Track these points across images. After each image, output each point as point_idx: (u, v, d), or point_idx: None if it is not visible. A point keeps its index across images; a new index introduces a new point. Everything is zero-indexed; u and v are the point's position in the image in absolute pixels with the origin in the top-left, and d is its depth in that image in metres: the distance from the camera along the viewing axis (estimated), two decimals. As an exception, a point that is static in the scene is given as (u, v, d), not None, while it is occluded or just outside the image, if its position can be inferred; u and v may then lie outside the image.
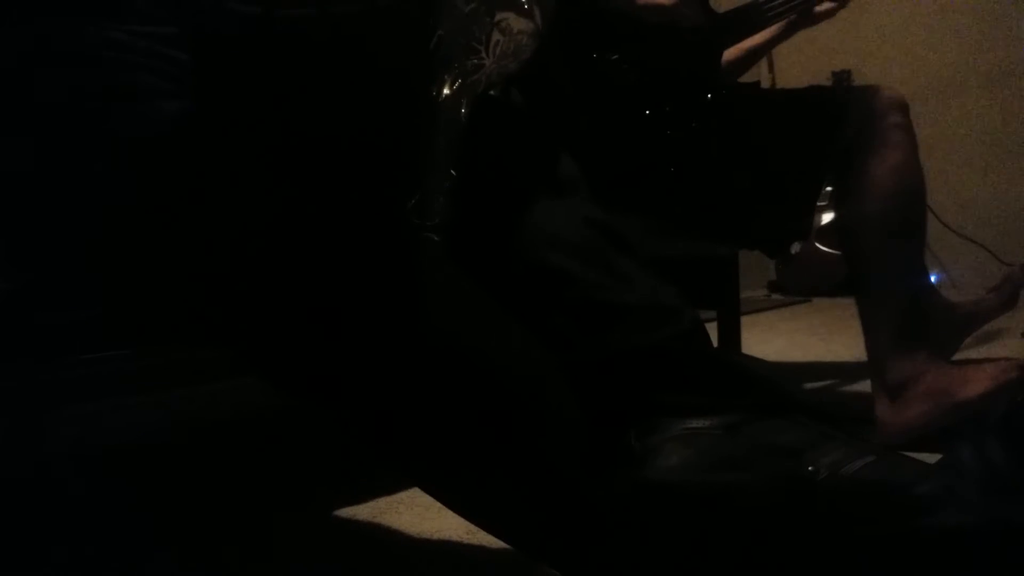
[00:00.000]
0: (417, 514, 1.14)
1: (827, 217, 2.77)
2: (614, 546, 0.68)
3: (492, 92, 0.71)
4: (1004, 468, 0.67)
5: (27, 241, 0.73)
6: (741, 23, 1.53)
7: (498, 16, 0.68)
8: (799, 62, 3.10)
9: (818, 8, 1.53)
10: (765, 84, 2.99)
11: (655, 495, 0.67)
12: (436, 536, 1.06)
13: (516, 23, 0.69)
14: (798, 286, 3.40)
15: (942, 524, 0.62)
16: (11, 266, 0.76)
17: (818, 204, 1.45)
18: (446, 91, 0.67)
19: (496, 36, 0.68)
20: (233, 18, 0.62)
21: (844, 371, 1.92)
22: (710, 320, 1.84)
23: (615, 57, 1.41)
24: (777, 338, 2.52)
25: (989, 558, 0.61)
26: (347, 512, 1.18)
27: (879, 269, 1.32)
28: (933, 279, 2.11)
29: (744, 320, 1.98)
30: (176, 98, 0.65)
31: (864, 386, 1.37)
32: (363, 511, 1.18)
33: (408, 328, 0.66)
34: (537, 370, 0.71)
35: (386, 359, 0.66)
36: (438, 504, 0.80)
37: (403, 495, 1.21)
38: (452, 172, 0.67)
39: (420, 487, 0.81)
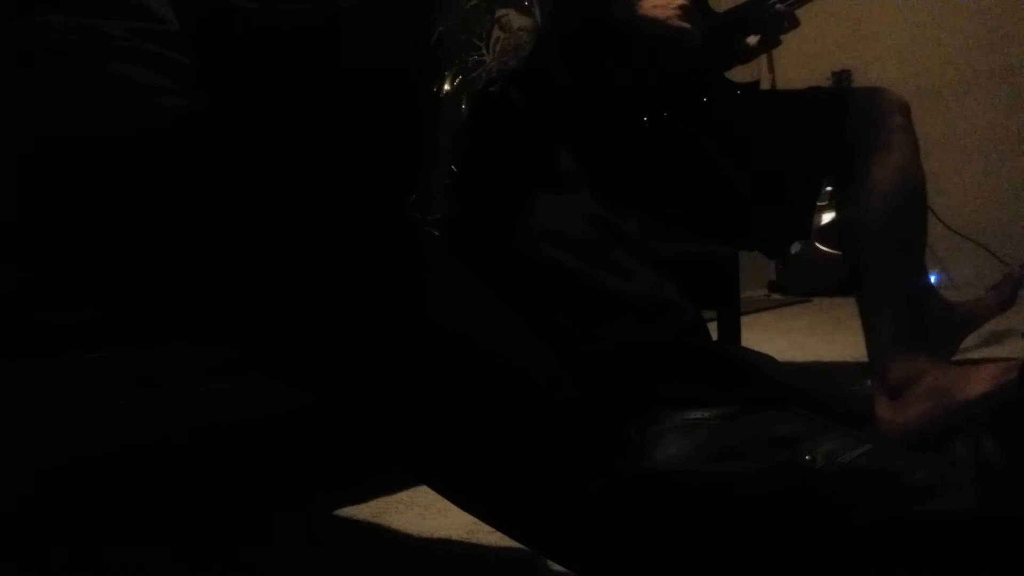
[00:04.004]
0: (417, 514, 1.14)
1: (827, 217, 2.77)
2: (615, 537, 0.68)
3: (492, 89, 0.72)
4: (998, 461, 0.68)
5: (28, 240, 0.73)
6: (741, 22, 1.53)
7: (499, 12, 0.68)
8: (799, 62, 3.10)
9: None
10: (765, 84, 2.99)
11: (655, 485, 0.67)
12: (436, 536, 1.06)
13: (517, 20, 0.69)
14: (798, 286, 3.41)
15: (937, 511, 0.62)
16: (11, 266, 0.76)
17: (818, 204, 1.45)
18: (447, 87, 0.67)
19: (497, 33, 0.68)
20: (235, 13, 0.62)
21: (844, 371, 1.92)
22: (710, 320, 1.84)
23: (615, 59, 1.41)
24: (777, 338, 2.52)
25: (983, 545, 0.62)
26: (347, 512, 1.18)
27: (879, 269, 1.32)
28: (933, 279, 2.12)
29: (744, 320, 1.98)
30: (178, 95, 0.65)
31: (864, 386, 1.37)
32: (363, 511, 1.18)
33: (410, 323, 0.66)
34: (539, 364, 0.71)
35: (388, 354, 0.66)
36: (438, 504, 0.80)
37: (403, 495, 1.21)
38: (453, 168, 0.67)
39: (423, 482, 0.81)
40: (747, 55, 1.55)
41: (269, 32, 0.62)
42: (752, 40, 1.52)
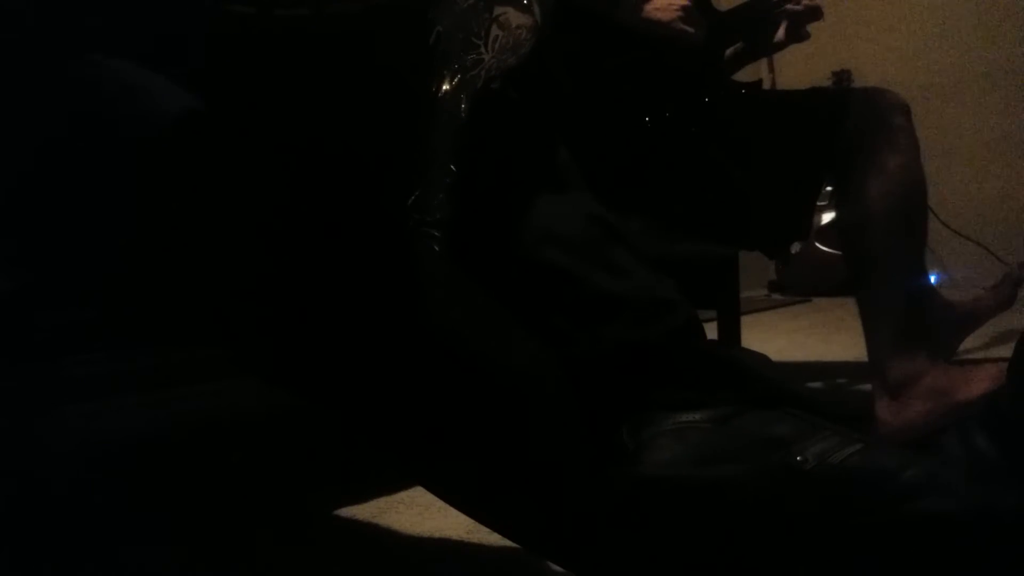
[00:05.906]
0: (417, 514, 1.14)
1: (827, 217, 2.77)
2: (610, 541, 0.68)
3: (493, 86, 0.71)
4: (990, 458, 0.68)
5: (29, 241, 0.73)
6: (743, 22, 1.53)
7: (497, 11, 0.68)
8: (799, 62, 3.10)
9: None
10: (766, 84, 2.99)
11: (648, 490, 0.67)
12: (436, 536, 1.06)
13: (515, 18, 0.69)
14: (798, 286, 3.41)
15: (927, 510, 0.62)
16: (11, 266, 0.76)
17: (818, 204, 1.45)
18: (446, 87, 0.67)
19: (495, 31, 0.68)
20: (231, 18, 0.62)
21: (844, 371, 1.92)
22: (710, 320, 1.84)
23: (616, 60, 1.42)
24: (777, 338, 2.52)
25: (973, 544, 0.62)
26: (347, 512, 1.18)
27: (879, 269, 1.32)
28: (933, 279, 2.12)
29: (744, 320, 1.98)
30: (176, 96, 0.65)
31: (864, 386, 1.37)
32: (363, 511, 1.17)
33: (407, 325, 0.66)
34: (535, 367, 0.71)
35: (385, 356, 0.66)
36: (438, 504, 0.80)
37: (403, 495, 1.21)
38: (452, 168, 0.67)
39: (421, 484, 0.81)
40: (762, 52, 1.55)
41: (267, 36, 0.62)
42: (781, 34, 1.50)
